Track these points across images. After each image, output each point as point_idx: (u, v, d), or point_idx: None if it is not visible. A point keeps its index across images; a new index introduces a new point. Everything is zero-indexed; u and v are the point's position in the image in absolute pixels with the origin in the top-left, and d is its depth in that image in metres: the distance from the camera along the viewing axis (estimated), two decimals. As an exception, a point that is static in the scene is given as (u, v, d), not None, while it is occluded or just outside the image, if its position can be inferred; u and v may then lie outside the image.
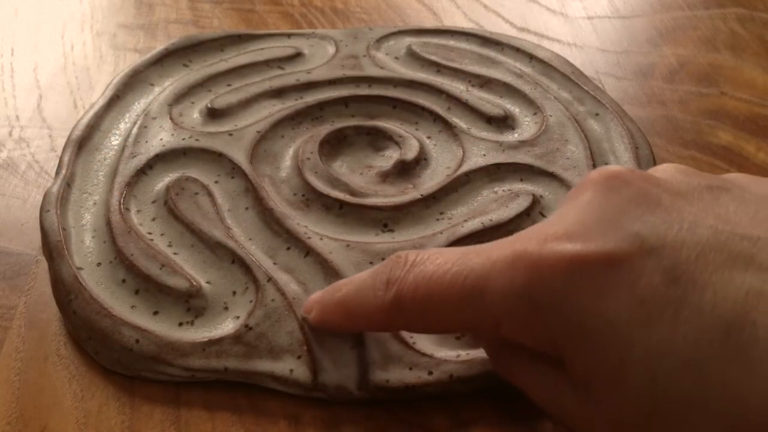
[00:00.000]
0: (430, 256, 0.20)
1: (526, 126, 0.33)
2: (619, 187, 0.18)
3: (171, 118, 0.32)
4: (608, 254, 0.17)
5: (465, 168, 0.30)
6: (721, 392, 0.16)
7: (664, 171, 0.20)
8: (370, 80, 0.35)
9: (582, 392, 0.18)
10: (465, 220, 0.28)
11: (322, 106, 0.33)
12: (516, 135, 0.32)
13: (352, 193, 0.29)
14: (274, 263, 0.26)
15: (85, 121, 0.32)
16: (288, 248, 0.27)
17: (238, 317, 0.25)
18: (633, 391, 0.17)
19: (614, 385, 0.17)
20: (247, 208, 0.28)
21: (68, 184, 0.29)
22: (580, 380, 0.18)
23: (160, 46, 0.37)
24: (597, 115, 0.33)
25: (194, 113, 0.33)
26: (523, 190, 0.29)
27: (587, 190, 0.19)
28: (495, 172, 0.30)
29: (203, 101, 0.34)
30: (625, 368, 0.17)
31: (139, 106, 0.34)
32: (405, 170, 0.31)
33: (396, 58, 0.37)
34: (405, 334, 0.24)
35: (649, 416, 0.17)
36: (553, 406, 0.20)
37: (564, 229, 0.18)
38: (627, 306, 0.16)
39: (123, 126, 0.33)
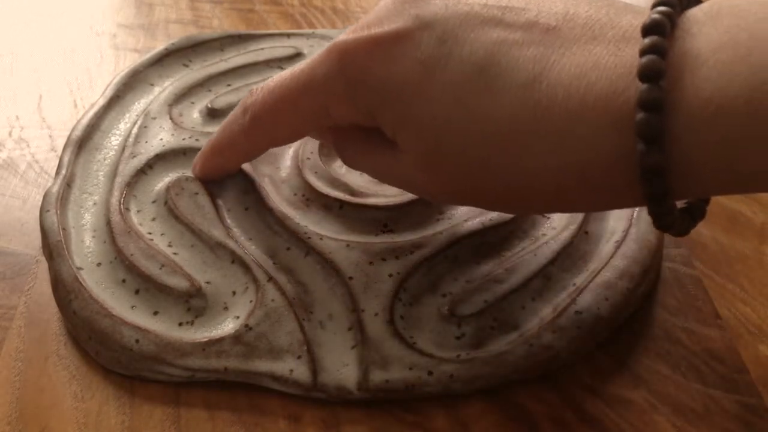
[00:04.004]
0: (274, 77, 0.26)
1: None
2: None
3: (171, 118, 0.32)
4: (395, 32, 0.22)
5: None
6: (478, 116, 0.20)
7: None
8: (370, 80, 0.35)
9: (396, 149, 0.23)
10: (465, 220, 0.28)
11: (322, 106, 0.33)
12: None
13: (352, 193, 0.29)
14: (274, 263, 0.26)
15: (85, 121, 0.32)
16: (288, 248, 0.27)
17: (238, 317, 0.25)
18: (423, 131, 0.22)
19: (410, 129, 0.22)
20: (247, 208, 0.28)
21: (68, 184, 0.29)
22: (392, 137, 0.23)
23: (160, 46, 0.37)
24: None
25: (194, 113, 0.33)
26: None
27: None
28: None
29: (203, 101, 0.34)
30: (415, 113, 0.22)
31: (139, 106, 0.34)
32: (405, 170, 0.31)
33: (396, 58, 0.37)
34: (405, 334, 0.24)
35: (436, 149, 0.22)
36: (386, 174, 0.24)
37: (365, 23, 0.23)
38: (412, 67, 0.21)
39: (123, 126, 0.33)
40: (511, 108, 0.20)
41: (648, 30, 0.19)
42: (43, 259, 0.28)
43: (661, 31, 0.19)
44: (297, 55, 0.37)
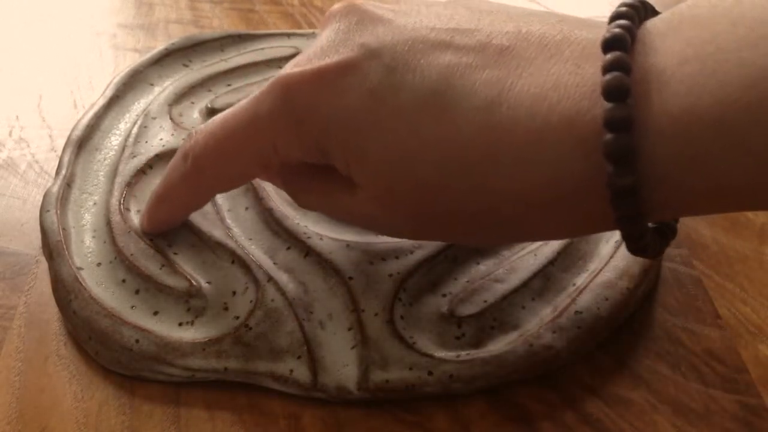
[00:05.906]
0: (213, 118, 0.24)
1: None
2: (350, 14, 0.22)
3: (171, 118, 0.32)
4: (341, 63, 0.21)
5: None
6: (434, 142, 0.19)
7: None
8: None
9: (352, 186, 0.22)
10: (465, 220, 0.28)
11: (322, 106, 0.33)
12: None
13: (352, 193, 0.29)
14: (274, 263, 0.26)
15: (85, 121, 0.32)
16: (288, 248, 0.27)
17: (238, 317, 0.25)
18: (377, 163, 0.20)
19: (364, 163, 0.21)
20: (247, 208, 0.28)
21: (68, 184, 0.29)
22: (346, 174, 0.22)
23: (160, 46, 0.37)
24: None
25: (194, 113, 0.33)
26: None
27: (327, 25, 0.23)
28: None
29: (203, 101, 0.34)
30: (367, 146, 0.20)
31: (139, 106, 0.34)
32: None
33: (396, 58, 0.37)
34: (405, 334, 0.24)
35: (392, 181, 0.20)
36: (345, 214, 0.23)
37: (307, 56, 0.22)
38: (361, 98, 0.20)
39: (123, 126, 0.33)
40: (470, 132, 0.19)
41: (609, 45, 0.18)
42: (43, 259, 0.28)
43: (623, 46, 0.18)
44: (297, 55, 0.37)
